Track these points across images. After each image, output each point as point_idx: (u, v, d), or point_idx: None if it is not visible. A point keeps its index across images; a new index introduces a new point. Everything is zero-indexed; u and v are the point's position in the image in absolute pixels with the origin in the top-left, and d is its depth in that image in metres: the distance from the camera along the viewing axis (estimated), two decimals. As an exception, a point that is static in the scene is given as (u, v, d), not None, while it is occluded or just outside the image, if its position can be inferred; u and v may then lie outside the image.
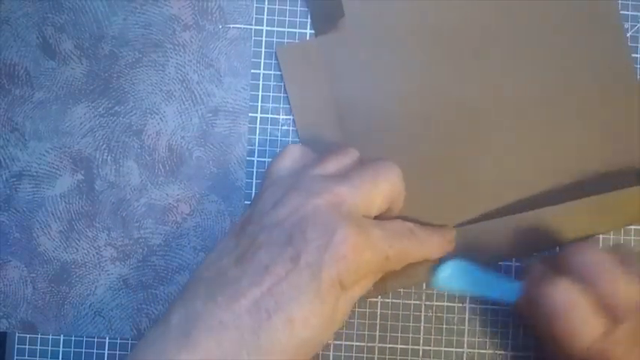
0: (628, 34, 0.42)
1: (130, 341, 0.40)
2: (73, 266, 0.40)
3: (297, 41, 0.41)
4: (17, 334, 0.40)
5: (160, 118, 0.41)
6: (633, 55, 0.42)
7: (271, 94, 0.41)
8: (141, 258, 0.40)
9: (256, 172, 0.41)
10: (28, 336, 0.40)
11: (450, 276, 0.38)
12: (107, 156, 0.41)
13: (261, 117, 0.41)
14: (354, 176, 0.34)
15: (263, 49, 0.41)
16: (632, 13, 0.42)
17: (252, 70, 0.41)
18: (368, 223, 0.33)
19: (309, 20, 0.42)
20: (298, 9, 0.42)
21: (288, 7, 0.42)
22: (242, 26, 0.41)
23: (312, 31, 0.42)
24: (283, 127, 0.41)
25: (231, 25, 0.41)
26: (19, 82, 0.40)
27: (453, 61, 0.41)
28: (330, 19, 0.41)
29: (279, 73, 0.41)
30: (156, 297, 0.40)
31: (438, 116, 0.41)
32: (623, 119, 0.41)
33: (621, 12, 0.42)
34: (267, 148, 0.41)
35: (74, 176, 0.40)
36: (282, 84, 0.41)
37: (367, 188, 0.34)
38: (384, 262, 0.33)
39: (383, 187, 0.34)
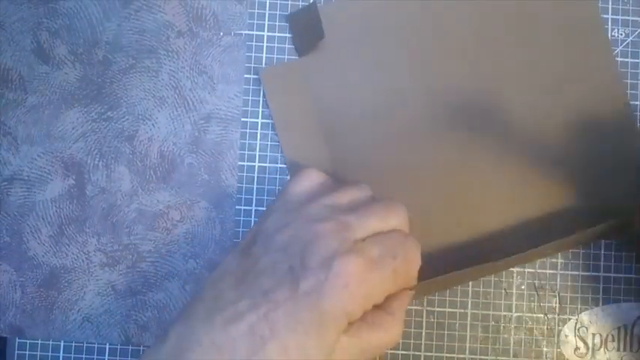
0: (617, 51, 0.42)
1: (118, 347, 0.40)
2: (62, 271, 0.40)
3: (279, 64, 0.41)
4: (17, 340, 0.40)
5: (153, 124, 0.41)
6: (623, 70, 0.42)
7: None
8: (130, 264, 0.40)
9: (257, 177, 0.41)
10: (28, 342, 0.40)
11: None
12: (99, 161, 0.41)
13: (262, 122, 0.41)
14: (363, 209, 0.34)
15: (264, 55, 0.41)
16: (623, 19, 0.42)
17: (254, 76, 0.41)
18: (369, 245, 0.33)
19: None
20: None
21: (289, 13, 0.42)
22: (246, 32, 0.41)
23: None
24: (278, 138, 0.41)
25: (238, 32, 0.41)
26: (13, 86, 0.40)
27: (438, 76, 0.41)
28: (312, 41, 0.41)
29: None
30: (145, 303, 0.40)
31: (425, 133, 0.41)
32: (612, 131, 0.41)
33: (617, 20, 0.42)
34: (269, 154, 0.41)
35: (65, 181, 0.40)
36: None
37: (374, 221, 0.34)
38: (393, 277, 0.33)
39: (391, 224, 0.34)
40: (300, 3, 0.42)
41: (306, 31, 0.41)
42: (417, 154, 0.41)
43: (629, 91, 0.41)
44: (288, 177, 0.41)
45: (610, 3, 0.42)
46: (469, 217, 0.41)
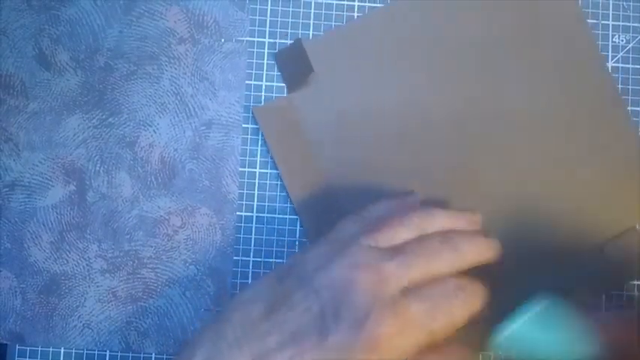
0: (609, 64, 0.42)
1: (119, 354, 0.40)
2: (62, 277, 0.40)
3: (271, 101, 0.41)
4: (17, 347, 0.40)
5: (154, 131, 0.41)
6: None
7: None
8: (131, 270, 0.40)
9: (258, 183, 0.41)
10: (28, 349, 0.40)
11: (513, 337, 0.33)
12: (100, 167, 0.41)
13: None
14: (406, 254, 0.32)
15: (265, 61, 0.42)
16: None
17: (255, 82, 0.41)
18: (408, 301, 0.31)
19: (311, 32, 0.42)
20: (300, 21, 0.42)
21: (290, 20, 0.42)
22: (247, 39, 0.41)
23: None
24: (279, 172, 0.41)
25: (239, 39, 0.41)
26: (15, 92, 0.41)
27: (428, 97, 0.41)
28: (301, 76, 0.41)
29: (281, 84, 0.42)
30: (145, 310, 0.40)
31: (422, 154, 0.41)
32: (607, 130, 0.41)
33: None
34: (269, 160, 0.41)
35: (66, 187, 0.40)
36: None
37: (419, 268, 0.32)
38: (428, 337, 0.31)
39: (441, 271, 0.33)
40: (302, 10, 0.42)
41: (295, 67, 0.41)
42: (417, 177, 0.41)
43: (630, 97, 0.41)
44: (296, 213, 0.41)
45: (611, 9, 0.42)
46: None
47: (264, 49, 0.42)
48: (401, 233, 0.33)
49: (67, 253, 0.40)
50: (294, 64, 0.41)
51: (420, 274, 0.32)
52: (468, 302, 0.32)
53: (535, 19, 0.41)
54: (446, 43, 0.42)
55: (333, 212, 0.40)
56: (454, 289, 0.32)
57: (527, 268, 0.40)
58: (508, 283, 0.39)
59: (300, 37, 0.42)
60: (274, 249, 0.41)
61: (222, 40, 0.41)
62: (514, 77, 0.41)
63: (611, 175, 0.41)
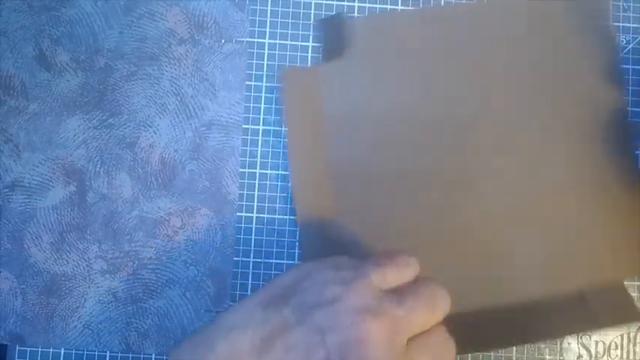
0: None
1: (119, 354, 0.40)
2: (63, 278, 0.40)
3: (300, 66, 0.41)
4: (18, 348, 0.40)
5: (154, 131, 0.41)
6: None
7: (273, 106, 0.41)
8: (131, 271, 0.40)
9: (258, 184, 0.41)
10: (28, 349, 0.40)
11: None
12: (100, 168, 0.41)
13: (263, 129, 0.41)
14: (411, 297, 0.31)
15: (265, 62, 0.42)
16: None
17: (255, 83, 0.41)
18: (415, 355, 0.31)
19: (311, 32, 0.42)
20: (300, 22, 0.42)
21: (290, 20, 0.42)
22: (247, 39, 0.41)
23: (314, 44, 0.42)
24: (286, 139, 0.41)
25: (239, 39, 0.41)
26: (15, 93, 0.41)
27: (454, 96, 0.41)
28: (338, 48, 0.41)
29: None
30: (145, 311, 0.40)
31: (435, 153, 0.41)
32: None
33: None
34: (270, 160, 0.41)
35: (66, 188, 0.40)
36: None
37: (422, 315, 0.31)
38: None
39: (436, 317, 0.32)
40: (302, 11, 0.42)
41: (332, 38, 0.41)
42: (420, 177, 0.41)
43: (630, 98, 0.41)
44: (290, 182, 0.41)
45: (611, 9, 0.42)
46: (472, 248, 0.41)
47: (264, 49, 0.42)
48: (406, 273, 0.33)
49: (68, 253, 0.40)
50: (333, 36, 0.41)
51: (423, 320, 0.31)
52: (454, 349, 0.32)
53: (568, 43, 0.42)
54: (482, 59, 0.42)
55: (329, 195, 0.40)
56: (448, 339, 0.32)
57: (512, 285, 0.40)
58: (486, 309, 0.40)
59: (300, 36, 0.42)
60: (274, 250, 0.41)
61: (223, 40, 0.41)
62: (544, 101, 0.41)
63: (611, 221, 0.41)
